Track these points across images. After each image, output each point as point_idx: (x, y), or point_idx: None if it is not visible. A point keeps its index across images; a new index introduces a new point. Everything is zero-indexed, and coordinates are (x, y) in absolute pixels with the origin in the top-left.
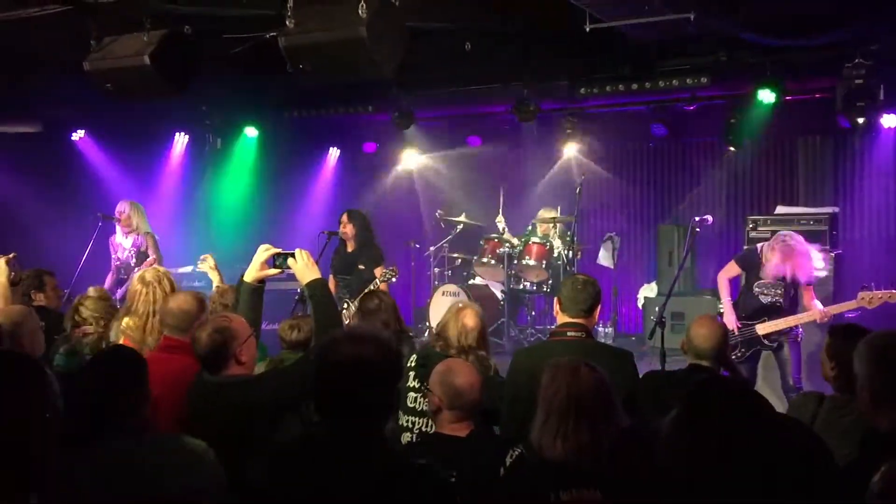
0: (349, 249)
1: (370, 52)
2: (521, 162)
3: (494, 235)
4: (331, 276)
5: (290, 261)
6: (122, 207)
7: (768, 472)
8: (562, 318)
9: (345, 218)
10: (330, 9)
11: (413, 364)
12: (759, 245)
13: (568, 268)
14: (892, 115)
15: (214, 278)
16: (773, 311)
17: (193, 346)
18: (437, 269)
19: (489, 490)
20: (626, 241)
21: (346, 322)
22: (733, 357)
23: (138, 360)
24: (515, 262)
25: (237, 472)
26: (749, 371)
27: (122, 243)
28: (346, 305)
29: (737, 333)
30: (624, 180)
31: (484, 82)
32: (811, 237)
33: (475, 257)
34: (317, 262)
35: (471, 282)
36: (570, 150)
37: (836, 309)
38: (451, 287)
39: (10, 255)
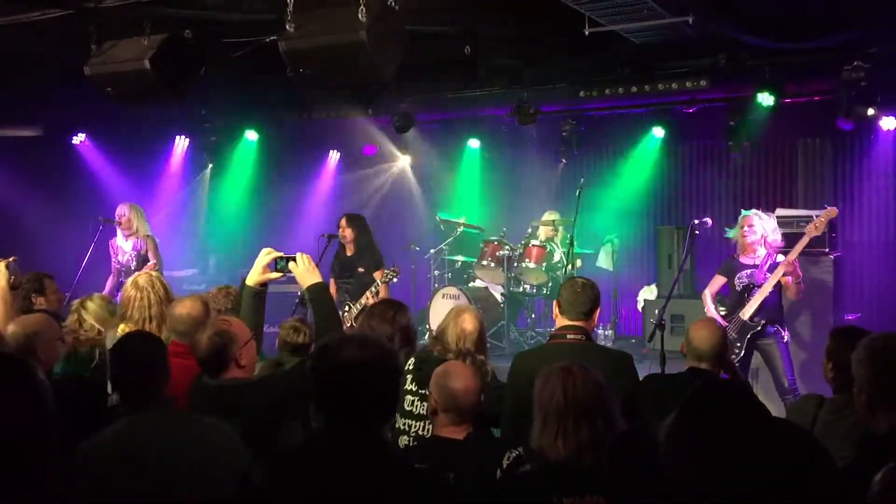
0: (349, 253)
1: (370, 55)
2: (520, 165)
3: (494, 238)
4: (331, 280)
5: (291, 264)
6: (123, 210)
7: (768, 474)
8: (561, 321)
9: (343, 222)
10: (330, 13)
11: (410, 367)
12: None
13: (567, 270)
14: (890, 118)
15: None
16: (750, 292)
17: (193, 349)
18: (437, 272)
19: (486, 492)
20: (626, 244)
21: (347, 325)
22: (733, 355)
23: (159, 343)
24: (515, 264)
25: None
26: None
27: (123, 246)
28: (346, 308)
29: (727, 325)
30: (623, 183)
31: (484, 85)
32: (810, 240)
33: (475, 260)
34: (317, 266)
35: (471, 284)
36: (570, 153)
37: (794, 253)
38: (451, 290)
39: (11, 259)
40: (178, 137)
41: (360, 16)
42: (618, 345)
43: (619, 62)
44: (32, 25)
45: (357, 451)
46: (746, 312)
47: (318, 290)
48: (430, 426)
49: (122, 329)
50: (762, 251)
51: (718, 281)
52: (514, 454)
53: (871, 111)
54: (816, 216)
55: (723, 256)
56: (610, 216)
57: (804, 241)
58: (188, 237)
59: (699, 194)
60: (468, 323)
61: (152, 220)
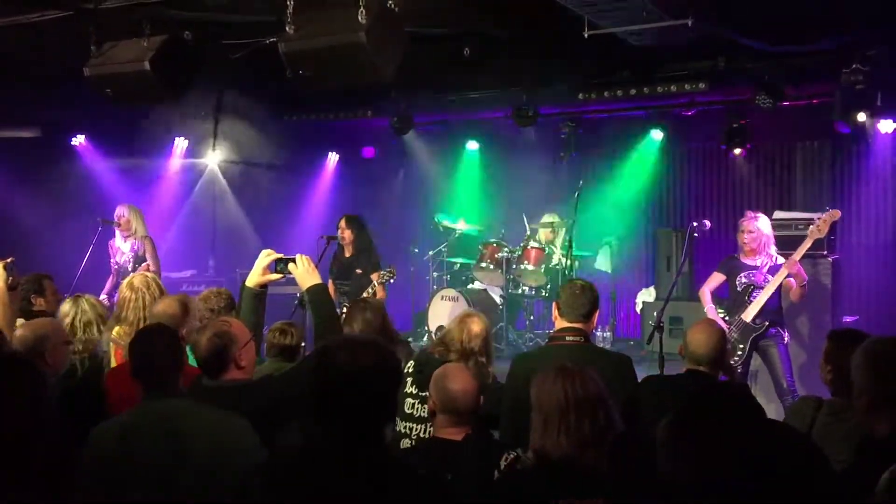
0: (347, 255)
1: (370, 57)
2: (519, 167)
3: (493, 240)
4: (330, 282)
5: (290, 266)
6: (122, 211)
7: (763, 476)
8: (560, 323)
9: (343, 223)
10: (330, 14)
11: (410, 370)
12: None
13: (566, 273)
14: (889, 121)
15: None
16: (751, 293)
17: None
18: (435, 274)
19: (484, 493)
20: (625, 246)
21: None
22: (736, 356)
23: (174, 334)
24: (514, 266)
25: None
26: (742, 375)
27: (121, 247)
28: (344, 310)
29: (728, 329)
30: (622, 185)
31: (483, 87)
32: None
33: (474, 262)
34: (317, 267)
35: (469, 286)
36: (568, 155)
37: (797, 255)
38: (450, 292)
39: (8, 260)
40: (177, 138)
41: (359, 17)
42: (616, 347)
43: (618, 64)
44: (32, 26)
45: (355, 454)
46: (749, 314)
47: (318, 291)
48: (431, 429)
49: (118, 331)
50: (763, 253)
51: (717, 279)
52: (511, 455)
53: (869, 114)
54: (819, 218)
55: (721, 259)
56: (608, 218)
57: (807, 243)
58: (187, 238)
59: (698, 197)
60: (475, 325)
61: (151, 222)
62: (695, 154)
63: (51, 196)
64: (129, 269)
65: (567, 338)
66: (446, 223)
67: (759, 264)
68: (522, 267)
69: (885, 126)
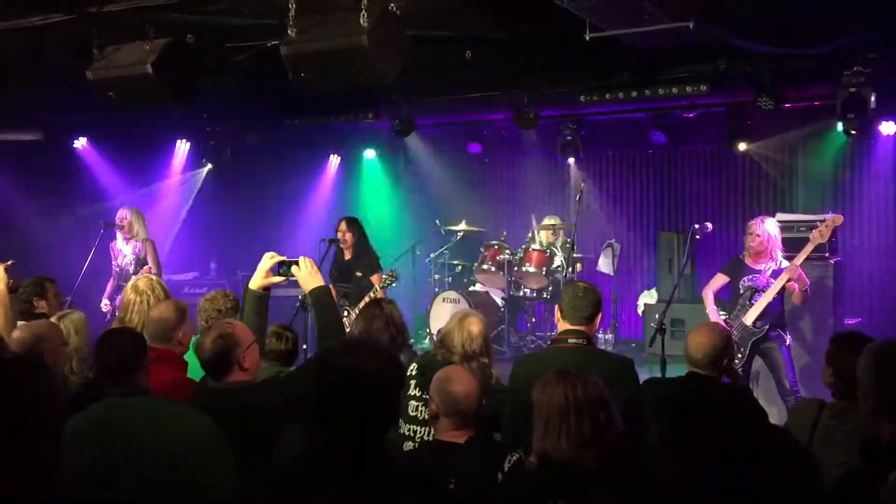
0: (347, 257)
1: (371, 60)
2: (521, 169)
3: (494, 242)
4: (330, 285)
5: (293, 269)
6: (124, 214)
7: (752, 477)
8: (562, 326)
9: (343, 226)
10: (331, 17)
11: (413, 372)
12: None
13: (568, 275)
14: (890, 123)
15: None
16: (753, 297)
17: (197, 352)
18: (437, 276)
19: (487, 496)
20: (626, 248)
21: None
22: (736, 359)
23: (138, 336)
24: (515, 268)
25: (240, 479)
26: (744, 378)
27: (123, 250)
28: (345, 313)
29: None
30: (624, 187)
31: (484, 90)
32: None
33: (475, 264)
34: (319, 269)
35: (471, 288)
36: (570, 158)
37: (799, 259)
38: (452, 294)
39: (9, 263)
40: (179, 141)
41: (361, 20)
42: (618, 349)
43: (620, 67)
44: (34, 30)
45: (356, 458)
46: (749, 317)
47: (321, 294)
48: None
49: None
50: (767, 257)
51: (720, 280)
52: (514, 457)
53: (870, 116)
54: (821, 222)
55: (723, 262)
56: (610, 220)
57: (809, 247)
58: (189, 240)
59: (699, 199)
60: (474, 326)
61: (153, 224)
62: (696, 156)
63: (53, 199)
64: (131, 272)
65: (569, 340)
66: (448, 225)
67: (762, 268)
68: (524, 269)
69: (886, 128)
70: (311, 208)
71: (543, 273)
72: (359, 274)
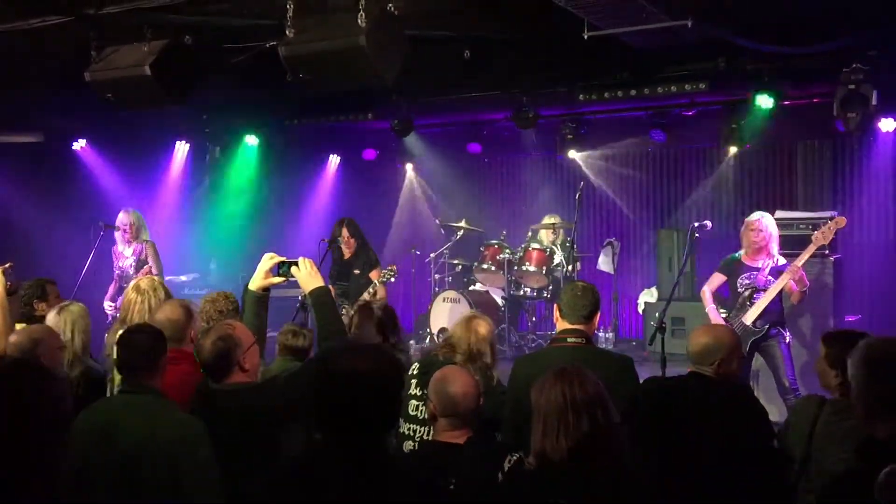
0: (346, 257)
1: (370, 60)
2: (520, 168)
3: (494, 241)
4: (329, 285)
5: (293, 269)
6: (126, 218)
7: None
8: (562, 325)
9: (345, 231)
10: (330, 18)
11: (415, 372)
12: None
13: (568, 274)
14: (890, 120)
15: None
16: (753, 296)
17: (197, 354)
18: (437, 276)
19: (487, 497)
20: (626, 247)
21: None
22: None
23: (158, 334)
24: (515, 268)
25: (241, 480)
26: (743, 376)
27: (124, 251)
28: (344, 312)
29: None
30: (623, 186)
31: (483, 89)
32: (810, 242)
33: (475, 263)
34: (319, 270)
35: (471, 288)
36: (570, 157)
37: (801, 260)
38: (452, 293)
39: (7, 265)
40: (178, 143)
41: (359, 21)
42: (618, 348)
43: (618, 66)
44: (33, 32)
45: (356, 459)
46: (749, 317)
47: (321, 294)
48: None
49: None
50: (764, 254)
51: (718, 279)
52: (514, 457)
53: (869, 113)
54: (823, 222)
55: (723, 259)
56: (610, 219)
57: (811, 248)
58: (189, 241)
59: (699, 197)
60: (482, 327)
61: (153, 226)
62: (696, 154)
63: (53, 201)
64: (131, 274)
65: (568, 339)
66: (448, 225)
67: (760, 265)
68: (524, 268)
69: (885, 125)
70: (310, 208)
71: (543, 272)
72: (357, 272)
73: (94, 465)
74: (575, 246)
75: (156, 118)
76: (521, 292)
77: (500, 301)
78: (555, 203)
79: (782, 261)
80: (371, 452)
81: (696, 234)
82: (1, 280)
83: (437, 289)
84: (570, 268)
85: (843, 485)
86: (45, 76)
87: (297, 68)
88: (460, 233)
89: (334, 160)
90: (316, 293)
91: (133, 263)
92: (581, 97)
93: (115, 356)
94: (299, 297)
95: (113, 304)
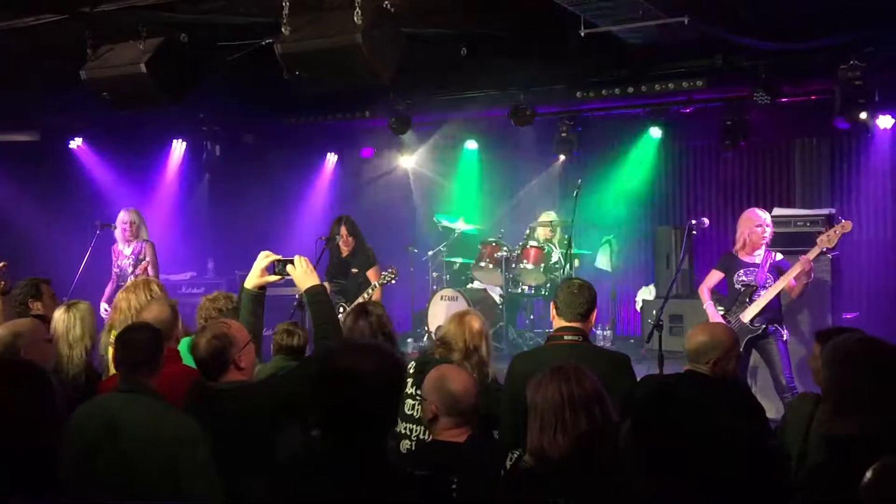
0: (344, 255)
1: (366, 58)
2: (518, 166)
3: (492, 239)
4: (325, 282)
5: (289, 267)
6: (127, 217)
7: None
8: (558, 323)
9: (344, 229)
10: (326, 16)
11: (411, 371)
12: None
13: (566, 272)
14: (887, 117)
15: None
16: (752, 295)
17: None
18: (435, 274)
19: (488, 496)
20: (624, 244)
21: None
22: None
23: (155, 332)
24: (513, 266)
25: (238, 478)
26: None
27: (123, 251)
28: (341, 310)
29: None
30: (621, 183)
31: (480, 87)
32: (808, 239)
33: (473, 261)
34: (315, 268)
35: (469, 286)
36: (567, 154)
37: (812, 254)
38: (450, 291)
39: (1, 265)
40: (175, 141)
41: (355, 18)
42: (616, 345)
43: (616, 63)
44: (28, 30)
45: (356, 459)
46: (748, 315)
47: (317, 292)
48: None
49: (115, 335)
50: (762, 250)
51: (716, 276)
52: (515, 456)
53: (867, 110)
54: (822, 220)
55: (721, 256)
56: (608, 217)
57: (815, 251)
58: (186, 240)
59: (696, 194)
60: (475, 323)
61: (150, 224)
62: (693, 151)
63: (49, 199)
64: (129, 273)
65: (565, 337)
66: (445, 223)
67: (758, 261)
68: (522, 266)
69: (883, 122)
70: (308, 207)
71: (541, 270)
72: (354, 270)
73: (99, 458)
74: (572, 243)
75: (152, 117)
76: (519, 290)
77: (497, 299)
78: (552, 201)
79: (779, 256)
80: (371, 451)
81: (694, 232)
82: None
83: (434, 287)
84: (567, 265)
85: (811, 483)
86: (41, 74)
87: (292, 66)
88: (458, 231)
89: (332, 158)
90: (312, 292)
91: (132, 262)
92: (578, 95)
93: (109, 355)
94: (296, 296)
95: (108, 307)
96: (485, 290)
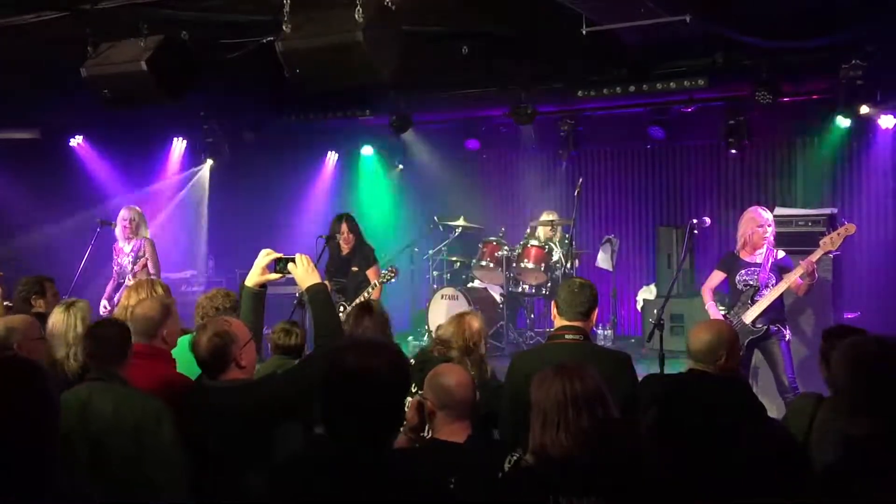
0: (344, 253)
1: (367, 56)
2: (519, 165)
3: (493, 238)
4: (325, 281)
5: (290, 266)
6: (129, 214)
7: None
8: (559, 322)
9: (344, 227)
10: (326, 14)
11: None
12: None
13: (567, 271)
14: (889, 116)
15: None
16: (754, 295)
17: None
18: (435, 273)
19: (488, 496)
20: (625, 244)
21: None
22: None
23: (123, 328)
24: (514, 264)
25: (238, 476)
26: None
27: (124, 248)
28: (342, 308)
29: None
30: (622, 183)
31: (481, 86)
32: (809, 238)
33: (474, 260)
34: (316, 267)
35: (469, 285)
36: (568, 153)
37: (815, 256)
38: (450, 290)
39: None
40: (175, 139)
41: (356, 16)
42: (617, 345)
43: (617, 62)
44: (29, 27)
45: (360, 459)
46: (749, 316)
47: (318, 291)
48: (430, 430)
49: None
50: (763, 249)
51: (717, 276)
52: (515, 456)
53: (869, 109)
54: (832, 229)
55: (722, 255)
56: (609, 216)
57: (818, 252)
58: (186, 239)
59: (698, 193)
60: (475, 322)
61: (151, 222)
62: (694, 151)
63: (49, 197)
64: (129, 270)
65: (566, 336)
66: (446, 222)
67: (760, 261)
68: (522, 265)
69: (884, 121)
70: (308, 205)
71: (542, 269)
72: (355, 269)
73: (74, 444)
74: (573, 243)
75: (153, 114)
76: (520, 289)
77: (498, 298)
78: (553, 200)
79: (781, 254)
80: (374, 451)
81: (695, 231)
82: None
83: (435, 286)
84: (568, 265)
85: (826, 484)
86: (41, 72)
87: (293, 64)
88: (458, 230)
89: (332, 157)
90: (313, 290)
91: (131, 259)
92: (579, 93)
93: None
94: (297, 294)
95: (108, 304)
96: (485, 289)
